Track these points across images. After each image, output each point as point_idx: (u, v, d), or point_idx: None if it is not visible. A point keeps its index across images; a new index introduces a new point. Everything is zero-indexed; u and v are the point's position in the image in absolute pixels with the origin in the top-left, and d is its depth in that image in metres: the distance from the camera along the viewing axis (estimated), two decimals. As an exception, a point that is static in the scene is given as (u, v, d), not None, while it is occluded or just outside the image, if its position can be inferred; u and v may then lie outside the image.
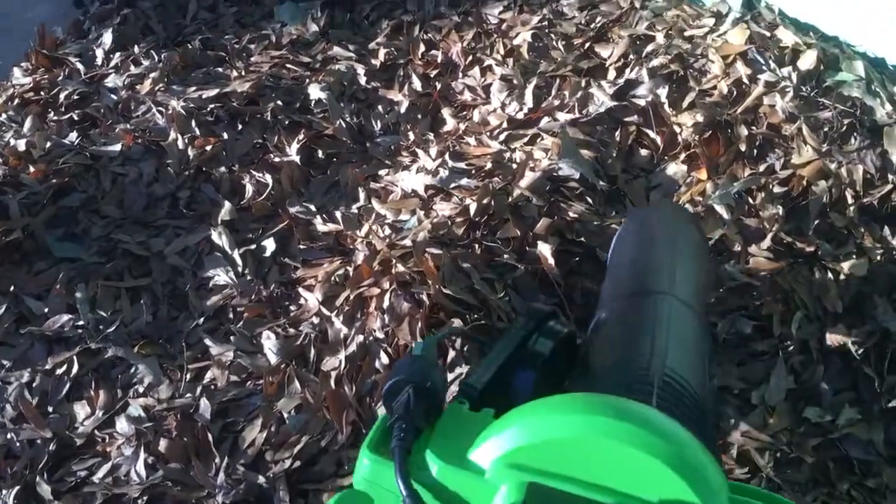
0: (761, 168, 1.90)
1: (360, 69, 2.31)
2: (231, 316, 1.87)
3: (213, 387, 1.73)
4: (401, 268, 1.75)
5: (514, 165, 1.97)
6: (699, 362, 0.98)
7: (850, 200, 1.84)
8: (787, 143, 1.92)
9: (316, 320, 1.79)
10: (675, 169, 1.97)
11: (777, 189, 1.86)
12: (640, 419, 0.68)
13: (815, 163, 1.84)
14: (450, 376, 1.59)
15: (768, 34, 2.05)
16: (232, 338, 1.80)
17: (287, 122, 2.17)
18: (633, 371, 0.89)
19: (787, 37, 2.03)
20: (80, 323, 1.82)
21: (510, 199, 1.88)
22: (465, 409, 0.82)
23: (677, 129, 1.99)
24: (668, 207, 1.65)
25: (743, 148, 1.93)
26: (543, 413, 0.70)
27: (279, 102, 2.20)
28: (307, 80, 2.28)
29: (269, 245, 1.95)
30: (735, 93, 1.99)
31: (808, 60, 1.96)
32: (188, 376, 1.74)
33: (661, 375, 0.87)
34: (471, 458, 0.72)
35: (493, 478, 0.69)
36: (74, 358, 1.77)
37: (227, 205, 2.00)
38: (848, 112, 1.90)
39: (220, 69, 2.37)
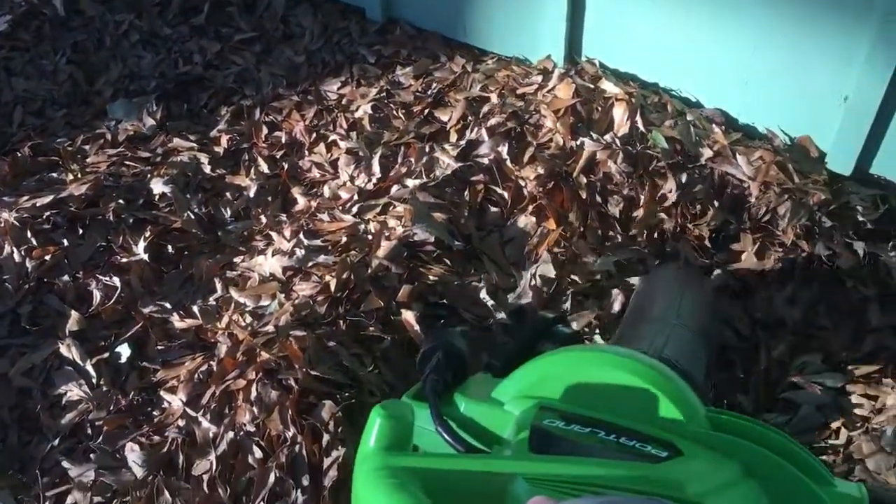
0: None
1: (204, 158, 2.27)
2: (89, 432, 1.76)
3: (74, 512, 1.61)
4: (265, 355, 1.71)
5: (370, 236, 1.97)
6: (698, 365, 1.16)
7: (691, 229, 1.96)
8: (622, 190, 2.02)
9: (182, 423, 1.71)
10: (525, 221, 2.03)
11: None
12: (627, 353, 0.83)
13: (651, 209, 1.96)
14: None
15: (592, 86, 2.17)
16: (92, 455, 1.70)
17: (131, 221, 2.09)
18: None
19: (609, 88, 2.15)
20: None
21: (370, 271, 1.88)
22: (489, 376, 0.94)
23: (522, 183, 2.06)
24: (682, 266, 1.85)
25: (584, 195, 2.02)
26: (550, 356, 0.85)
27: (121, 201, 2.12)
28: (149, 175, 2.22)
29: (124, 351, 1.86)
30: (572, 146, 2.08)
31: (620, 112, 2.08)
32: (47, 505, 1.62)
33: (658, 356, 1.01)
34: (493, 396, 0.85)
35: (511, 406, 0.81)
36: (-87, 506, 1.61)
37: (74, 314, 1.90)
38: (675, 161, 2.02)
39: (55, 174, 2.27)
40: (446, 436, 0.80)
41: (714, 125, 2.07)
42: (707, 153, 2.01)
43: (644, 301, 1.52)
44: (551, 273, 1.89)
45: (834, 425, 1.75)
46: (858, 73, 1.81)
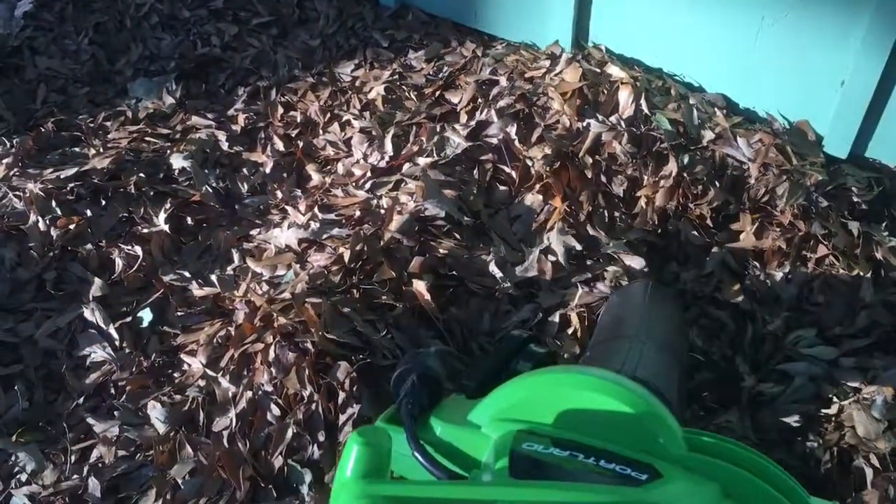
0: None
1: (222, 135, 2.34)
2: (113, 391, 1.83)
3: (100, 465, 1.69)
4: (282, 320, 1.78)
5: (383, 211, 2.05)
6: (672, 380, 1.13)
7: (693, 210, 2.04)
8: (626, 171, 2.09)
9: (202, 383, 1.79)
10: (531, 199, 2.10)
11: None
12: (603, 375, 0.82)
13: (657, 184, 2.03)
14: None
15: (599, 70, 2.24)
16: (116, 413, 1.77)
17: (152, 194, 2.17)
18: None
19: (615, 72, 2.23)
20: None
21: (382, 243, 1.95)
22: (463, 397, 0.94)
23: (529, 163, 2.13)
24: (652, 285, 1.77)
25: (589, 175, 2.10)
26: (527, 378, 0.84)
27: (142, 175, 2.20)
28: (168, 151, 2.30)
29: (146, 316, 1.93)
30: (578, 128, 2.16)
31: (625, 95, 2.15)
32: (73, 458, 1.70)
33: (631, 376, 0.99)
34: (469, 419, 0.84)
35: (488, 430, 0.81)
36: (-54, 456, 1.69)
37: (98, 281, 1.98)
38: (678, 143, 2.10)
39: (77, 149, 2.35)
40: (424, 461, 0.80)
41: (716, 109, 2.14)
42: (709, 135, 2.08)
43: (615, 319, 1.50)
44: (562, 247, 1.96)
45: (826, 395, 1.82)
46: (854, 57, 1.88)
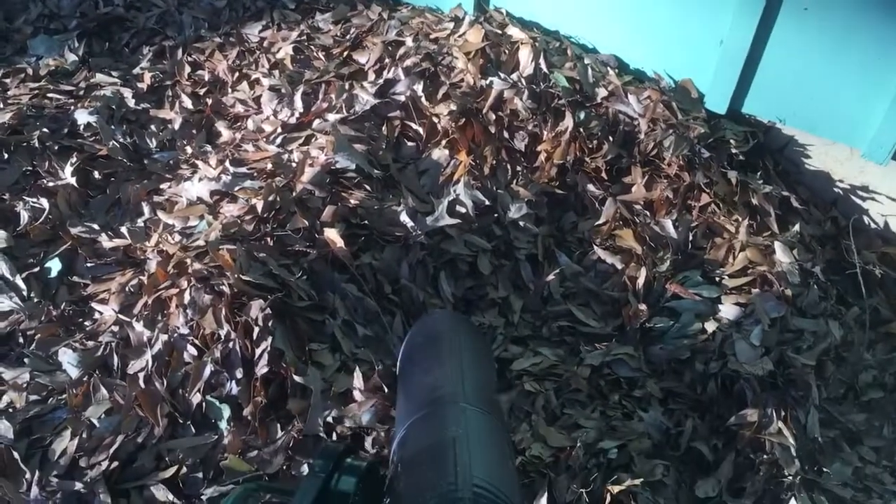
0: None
1: (127, 93, 2.33)
2: (21, 340, 1.82)
3: (10, 409, 1.68)
4: (197, 265, 1.80)
5: (294, 164, 2.09)
6: (504, 463, 1.01)
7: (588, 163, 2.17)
8: (527, 126, 2.21)
9: (115, 328, 1.80)
10: (438, 154, 2.19)
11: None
12: None
13: (556, 140, 2.16)
14: None
15: (500, 32, 2.35)
16: (26, 360, 1.76)
17: (57, 148, 2.14)
18: (443, 493, 0.89)
19: (515, 33, 2.34)
20: None
21: (294, 194, 2.00)
22: None
23: (436, 119, 2.22)
24: (447, 315, 1.68)
25: (493, 130, 2.20)
26: None
27: (45, 130, 2.17)
28: (72, 108, 2.27)
29: (55, 266, 1.92)
30: (482, 85, 2.26)
31: (525, 54, 2.27)
32: (-18, 404, 1.68)
33: (471, 489, 0.88)
34: None
35: None
36: None
37: (2, 232, 1.95)
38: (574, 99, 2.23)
39: (-26, 105, 2.29)
40: None
41: (608, 68, 2.28)
42: (602, 93, 2.23)
43: (423, 373, 1.22)
44: (470, 200, 2.06)
45: (710, 328, 1.99)
46: (731, 17, 2.06)
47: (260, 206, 1.96)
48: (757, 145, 2.24)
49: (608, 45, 2.35)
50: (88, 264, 1.94)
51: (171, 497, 1.55)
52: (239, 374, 1.68)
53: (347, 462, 0.95)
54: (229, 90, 2.37)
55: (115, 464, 1.58)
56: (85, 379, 1.72)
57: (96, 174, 2.12)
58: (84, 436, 1.62)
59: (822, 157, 2.29)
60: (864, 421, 1.99)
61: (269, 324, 1.70)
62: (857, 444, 1.94)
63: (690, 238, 2.14)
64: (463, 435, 0.99)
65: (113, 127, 2.22)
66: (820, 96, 2.09)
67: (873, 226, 2.31)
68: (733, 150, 2.20)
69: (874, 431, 1.98)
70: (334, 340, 1.78)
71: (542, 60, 2.25)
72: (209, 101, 2.32)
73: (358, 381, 1.71)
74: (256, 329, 1.69)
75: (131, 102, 2.31)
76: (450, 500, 0.86)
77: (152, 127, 2.27)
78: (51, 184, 2.06)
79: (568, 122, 2.18)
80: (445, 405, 1.08)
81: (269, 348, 1.66)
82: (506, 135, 2.21)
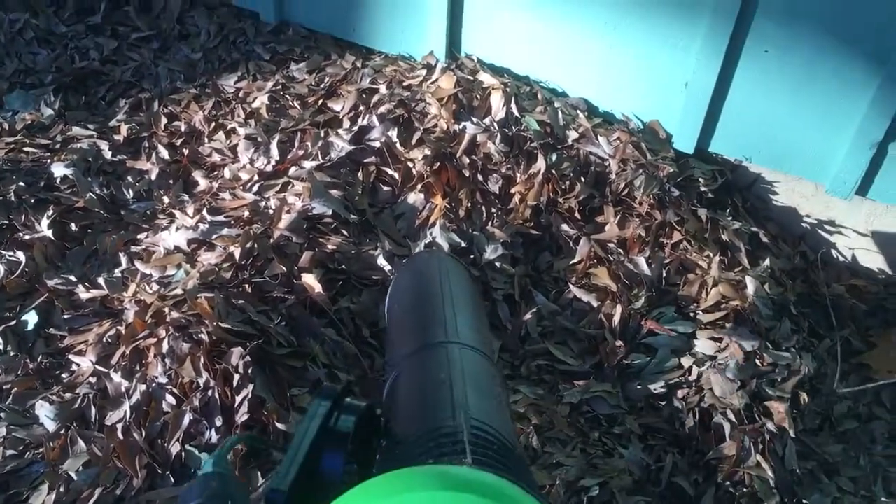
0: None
1: (104, 145, 2.35)
2: (-3, 395, 1.80)
3: (-13, 465, 1.66)
4: (175, 314, 1.81)
5: (271, 211, 2.11)
6: (500, 404, 1.00)
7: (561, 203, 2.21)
8: (501, 169, 2.25)
9: (93, 380, 1.79)
10: (414, 198, 2.22)
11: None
12: (463, 485, 0.68)
13: (529, 181, 2.20)
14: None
15: (472, 78, 2.41)
16: (2, 414, 1.74)
17: (33, 201, 2.15)
18: (441, 433, 0.87)
19: (486, 79, 2.40)
20: None
21: (272, 241, 2.02)
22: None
23: (410, 164, 2.25)
24: (434, 255, 1.64)
25: (467, 174, 2.24)
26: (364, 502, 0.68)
27: (21, 183, 2.18)
28: (49, 161, 2.28)
29: (31, 319, 1.92)
30: (455, 130, 2.30)
31: (496, 99, 2.33)
32: (-42, 460, 1.66)
33: (470, 430, 0.86)
34: None
35: None
36: None
37: (-22, 286, 1.94)
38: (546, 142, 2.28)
39: (-50, 162, 2.30)
40: None
41: (578, 111, 2.34)
42: (573, 135, 2.28)
43: (414, 310, 1.22)
44: (446, 242, 2.09)
45: (686, 363, 2.02)
46: (695, 60, 2.13)
47: (238, 253, 1.97)
48: (725, 183, 2.30)
49: (577, 88, 2.41)
50: (65, 316, 1.94)
51: (150, 550, 1.54)
52: (218, 422, 1.67)
53: (346, 402, 0.91)
54: (206, 140, 2.39)
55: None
56: (62, 432, 1.70)
57: (73, 226, 2.13)
58: (62, 489, 1.60)
59: (788, 194, 2.35)
60: (841, 452, 2.01)
61: (250, 371, 1.70)
62: (834, 475, 1.96)
63: (664, 275, 2.17)
64: (459, 375, 0.98)
65: (90, 179, 2.24)
66: (784, 135, 2.16)
67: (841, 259, 2.36)
68: (702, 188, 2.25)
69: (851, 462, 2.00)
70: (318, 385, 1.78)
71: (513, 105, 2.30)
72: (186, 151, 2.34)
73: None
74: (237, 376, 1.69)
75: (108, 154, 2.33)
76: (449, 443, 0.84)
77: (129, 178, 2.28)
78: (27, 237, 2.06)
79: (540, 164, 2.22)
80: (438, 345, 1.06)
81: (249, 395, 1.66)
82: (480, 178, 2.25)
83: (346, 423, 0.88)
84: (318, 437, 0.85)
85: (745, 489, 1.82)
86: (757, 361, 2.00)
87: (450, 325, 1.10)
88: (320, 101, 2.45)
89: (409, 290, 1.27)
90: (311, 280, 1.96)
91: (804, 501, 1.85)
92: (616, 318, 2.07)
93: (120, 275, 2.03)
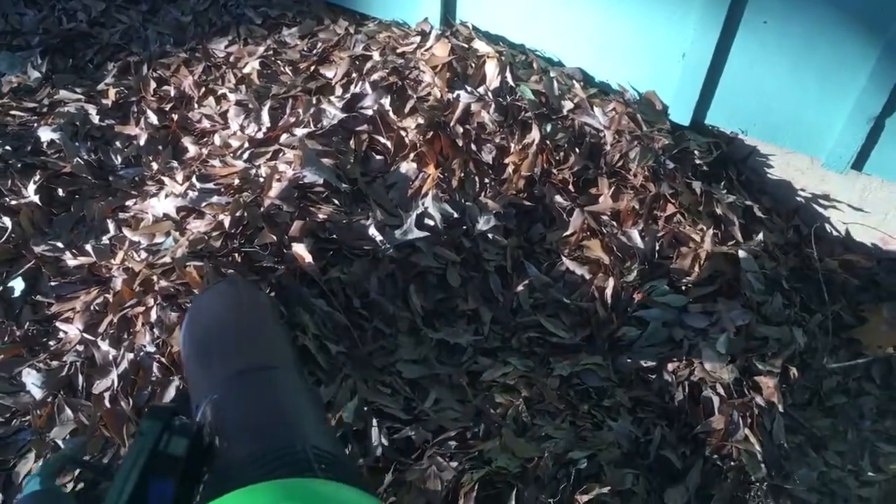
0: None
1: (92, 109, 2.31)
2: (-17, 362, 1.79)
3: (-27, 433, 1.65)
4: (164, 283, 1.79)
5: (261, 179, 2.08)
6: (326, 420, 1.05)
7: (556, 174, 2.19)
8: (494, 139, 2.23)
9: (80, 348, 1.78)
10: (406, 167, 2.20)
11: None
12: (324, 497, 0.73)
13: (523, 152, 2.18)
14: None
15: (466, 46, 2.37)
16: (-12, 382, 1.73)
17: (20, 166, 2.12)
18: (283, 454, 0.88)
19: (481, 47, 2.36)
20: None
21: (262, 209, 1.99)
22: None
23: (403, 133, 2.22)
24: (229, 284, 1.59)
25: (461, 143, 2.21)
26: None
27: (7, 147, 2.14)
28: (35, 125, 2.25)
29: (18, 285, 1.90)
30: (449, 99, 2.27)
31: (491, 68, 2.29)
32: (-56, 427, 1.65)
33: (311, 448, 0.88)
34: None
35: None
36: None
37: (-37, 252, 1.92)
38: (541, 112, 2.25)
39: (-66, 123, 2.26)
40: None
41: (574, 81, 2.31)
42: (568, 105, 2.25)
43: (222, 338, 1.18)
44: (439, 213, 2.06)
45: (677, 337, 2.02)
46: (693, 31, 2.09)
47: (227, 221, 1.95)
48: (720, 156, 2.28)
49: (573, 58, 2.37)
50: (52, 283, 1.92)
51: (138, 518, 1.53)
52: (207, 391, 1.66)
53: (177, 423, 0.88)
54: (195, 105, 2.36)
55: (81, 485, 1.56)
56: (49, 400, 1.69)
57: (60, 192, 2.10)
58: (48, 457, 1.59)
59: (783, 167, 2.33)
60: (829, 426, 2.02)
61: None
62: (822, 449, 1.97)
63: (657, 248, 2.16)
64: (290, 397, 1.01)
65: (77, 144, 2.20)
66: (781, 107, 2.14)
67: (835, 233, 2.35)
68: (697, 161, 2.23)
69: (839, 436, 2.01)
70: (306, 355, 1.77)
71: (508, 74, 2.27)
72: (175, 117, 2.31)
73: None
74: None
75: (96, 119, 2.29)
76: (292, 460, 0.85)
77: (117, 143, 2.25)
78: (13, 202, 2.03)
79: (535, 134, 2.19)
80: (263, 369, 1.07)
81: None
82: (473, 147, 2.22)
83: (179, 446, 0.86)
84: (148, 464, 0.82)
85: (732, 463, 1.83)
86: (748, 336, 2.00)
87: (270, 348, 1.14)
88: (312, 68, 2.41)
89: (217, 316, 1.25)
90: (301, 250, 1.93)
91: (791, 475, 1.86)
92: (608, 291, 2.06)
93: (108, 242, 2.00)
